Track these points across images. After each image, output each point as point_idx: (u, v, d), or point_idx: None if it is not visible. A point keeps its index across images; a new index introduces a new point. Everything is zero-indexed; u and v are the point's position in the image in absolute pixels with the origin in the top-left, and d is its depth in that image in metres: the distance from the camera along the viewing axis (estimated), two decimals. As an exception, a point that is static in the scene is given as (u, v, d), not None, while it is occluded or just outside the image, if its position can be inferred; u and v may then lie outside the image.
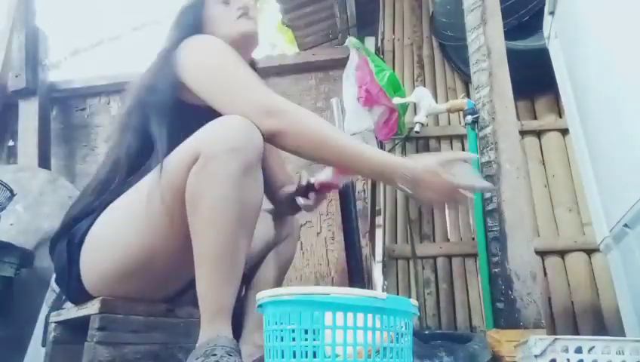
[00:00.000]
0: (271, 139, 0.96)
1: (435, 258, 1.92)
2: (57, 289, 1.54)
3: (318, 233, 2.14)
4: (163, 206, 0.93)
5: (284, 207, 1.25)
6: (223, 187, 0.86)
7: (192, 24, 1.17)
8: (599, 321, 1.67)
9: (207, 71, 1.04)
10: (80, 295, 1.01)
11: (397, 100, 1.75)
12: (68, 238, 1.01)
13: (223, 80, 1.02)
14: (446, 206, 0.98)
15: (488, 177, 1.37)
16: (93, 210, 1.02)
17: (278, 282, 1.29)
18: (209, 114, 0.99)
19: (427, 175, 0.95)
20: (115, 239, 0.97)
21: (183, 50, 1.09)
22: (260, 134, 0.92)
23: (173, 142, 0.97)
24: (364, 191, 2.18)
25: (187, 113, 1.06)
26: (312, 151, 0.99)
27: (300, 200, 1.15)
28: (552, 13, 1.52)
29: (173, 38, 1.16)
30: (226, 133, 0.89)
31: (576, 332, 1.68)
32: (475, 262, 1.85)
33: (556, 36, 1.54)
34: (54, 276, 1.06)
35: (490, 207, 1.35)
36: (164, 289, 1.07)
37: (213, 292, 0.87)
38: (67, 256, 1.00)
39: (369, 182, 2.20)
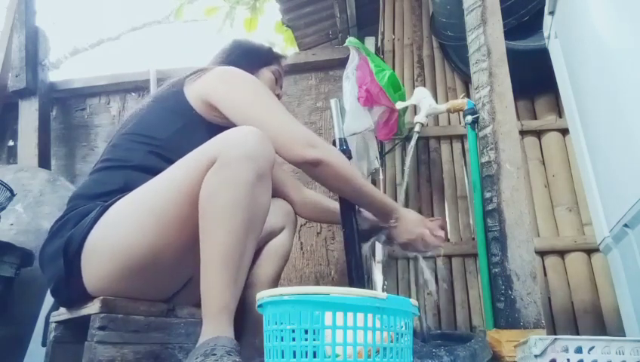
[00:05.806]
0: (309, 167, 1.11)
1: (435, 258, 1.92)
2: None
3: (318, 233, 2.14)
4: (176, 205, 0.95)
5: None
6: (238, 191, 0.90)
7: (245, 63, 1.27)
8: (599, 321, 1.67)
9: (259, 99, 1.13)
10: (81, 299, 1.01)
11: (400, 105, 1.76)
12: (63, 246, 0.98)
13: (274, 110, 1.13)
14: (415, 247, 1.32)
15: (488, 177, 1.37)
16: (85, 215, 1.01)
17: (277, 278, 1.29)
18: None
19: (410, 215, 1.31)
20: (123, 239, 0.96)
21: (226, 73, 1.18)
22: (271, 146, 0.98)
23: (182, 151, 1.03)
24: (364, 191, 2.17)
25: (204, 128, 1.13)
26: (341, 184, 1.17)
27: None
28: (552, 13, 1.53)
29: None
30: (243, 141, 0.93)
31: (576, 332, 1.67)
32: (475, 262, 1.85)
33: (556, 36, 1.54)
34: (51, 287, 1.04)
35: (490, 207, 1.35)
36: (164, 289, 1.07)
37: (217, 291, 0.88)
38: (65, 263, 0.98)
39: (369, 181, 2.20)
